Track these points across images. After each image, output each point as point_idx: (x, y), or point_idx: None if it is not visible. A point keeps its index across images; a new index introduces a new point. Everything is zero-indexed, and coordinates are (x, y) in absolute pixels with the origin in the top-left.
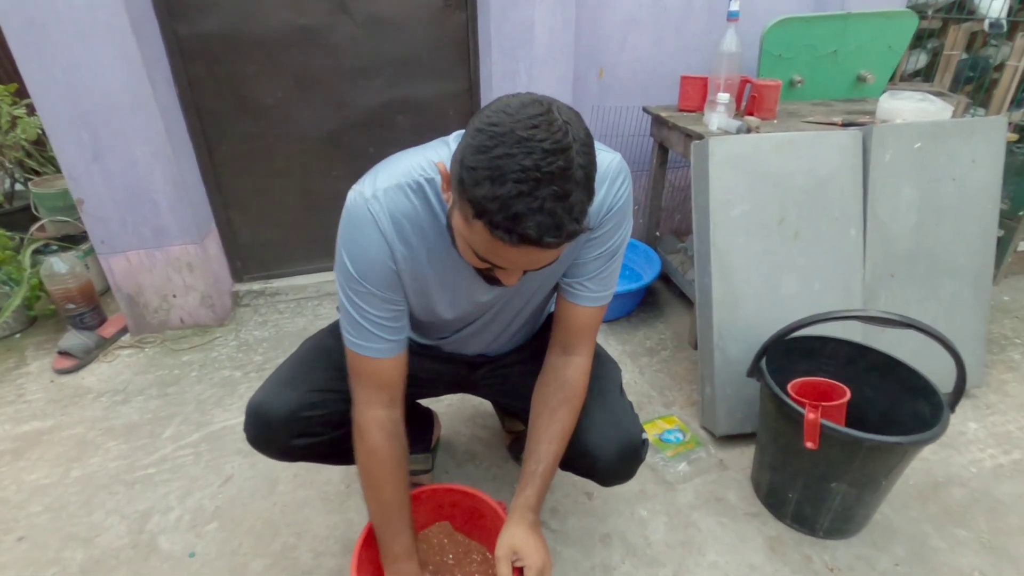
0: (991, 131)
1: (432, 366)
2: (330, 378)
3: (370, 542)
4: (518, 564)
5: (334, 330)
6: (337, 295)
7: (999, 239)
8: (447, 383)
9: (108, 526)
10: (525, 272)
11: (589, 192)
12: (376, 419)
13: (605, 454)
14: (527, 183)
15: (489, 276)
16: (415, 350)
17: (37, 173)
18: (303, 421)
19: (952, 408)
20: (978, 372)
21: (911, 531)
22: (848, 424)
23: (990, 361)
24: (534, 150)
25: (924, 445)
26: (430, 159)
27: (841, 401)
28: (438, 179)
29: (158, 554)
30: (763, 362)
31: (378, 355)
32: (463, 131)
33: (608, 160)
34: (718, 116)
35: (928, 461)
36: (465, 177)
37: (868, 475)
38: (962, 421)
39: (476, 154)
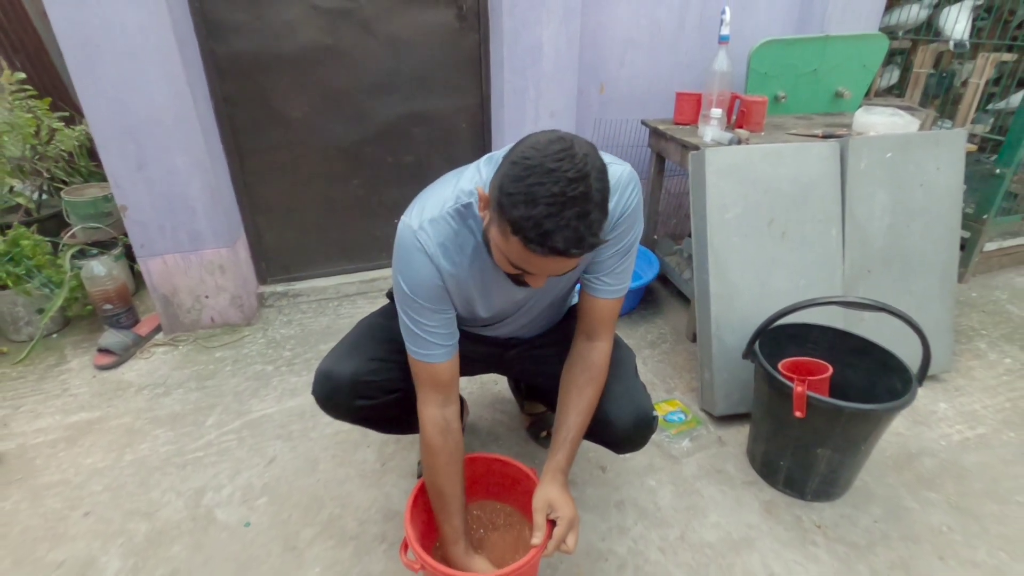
0: (953, 142)
1: (470, 346)
2: (384, 349)
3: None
4: (552, 516)
5: (385, 311)
6: (399, 315)
7: (967, 240)
8: (482, 362)
9: (166, 502)
10: (550, 276)
11: (604, 211)
12: (431, 418)
13: (622, 424)
14: (555, 206)
15: (519, 280)
16: None
17: (64, 183)
18: (364, 384)
19: (920, 382)
20: (946, 358)
21: (888, 494)
22: (832, 398)
23: (959, 350)
24: (560, 179)
25: (896, 412)
26: (465, 188)
27: (824, 375)
28: (473, 202)
29: (216, 525)
30: (757, 345)
31: (434, 360)
32: (492, 155)
33: (619, 171)
34: (711, 129)
35: (903, 436)
36: (504, 201)
37: (849, 440)
38: (933, 402)
39: (513, 182)
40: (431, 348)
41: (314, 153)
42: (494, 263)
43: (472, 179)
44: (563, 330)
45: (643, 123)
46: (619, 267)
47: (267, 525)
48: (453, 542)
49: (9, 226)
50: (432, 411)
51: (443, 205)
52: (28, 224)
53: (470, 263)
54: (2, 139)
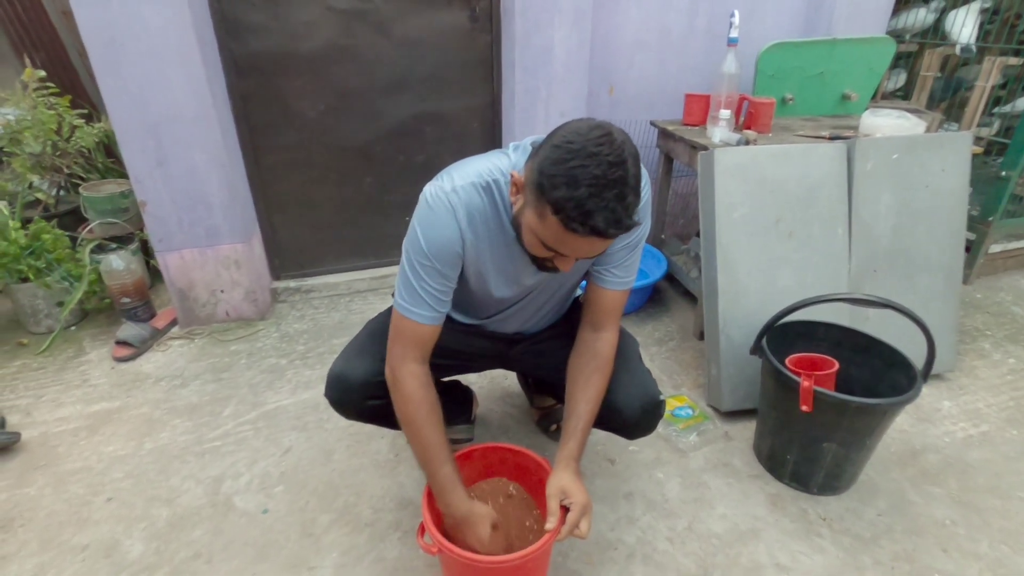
0: (958, 144)
1: (477, 342)
2: None
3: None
4: (566, 503)
5: None
6: (401, 266)
7: (972, 242)
8: (489, 358)
9: (186, 489)
10: (577, 260)
11: (639, 195)
12: (412, 371)
13: (630, 409)
14: (596, 187)
15: (544, 264)
16: (463, 329)
17: (82, 179)
18: (375, 385)
19: (924, 378)
20: (950, 357)
21: (892, 489)
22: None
23: (963, 350)
24: (601, 163)
25: (901, 407)
26: (497, 165)
27: (831, 371)
28: (503, 181)
29: (235, 511)
30: (764, 341)
31: (423, 321)
32: (518, 143)
33: None
34: (720, 130)
35: (907, 433)
36: (545, 183)
37: (855, 435)
38: (937, 400)
39: (555, 165)
40: (424, 308)
41: (328, 151)
42: (515, 245)
43: (500, 161)
44: (567, 324)
45: (652, 124)
46: (628, 260)
47: (284, 512)
48: (451, 489)
49: (29, 220)
50: (412, 366)
51: (475, 176)
52: (47, 219)
53: (491, 238)
54: (24, 135)
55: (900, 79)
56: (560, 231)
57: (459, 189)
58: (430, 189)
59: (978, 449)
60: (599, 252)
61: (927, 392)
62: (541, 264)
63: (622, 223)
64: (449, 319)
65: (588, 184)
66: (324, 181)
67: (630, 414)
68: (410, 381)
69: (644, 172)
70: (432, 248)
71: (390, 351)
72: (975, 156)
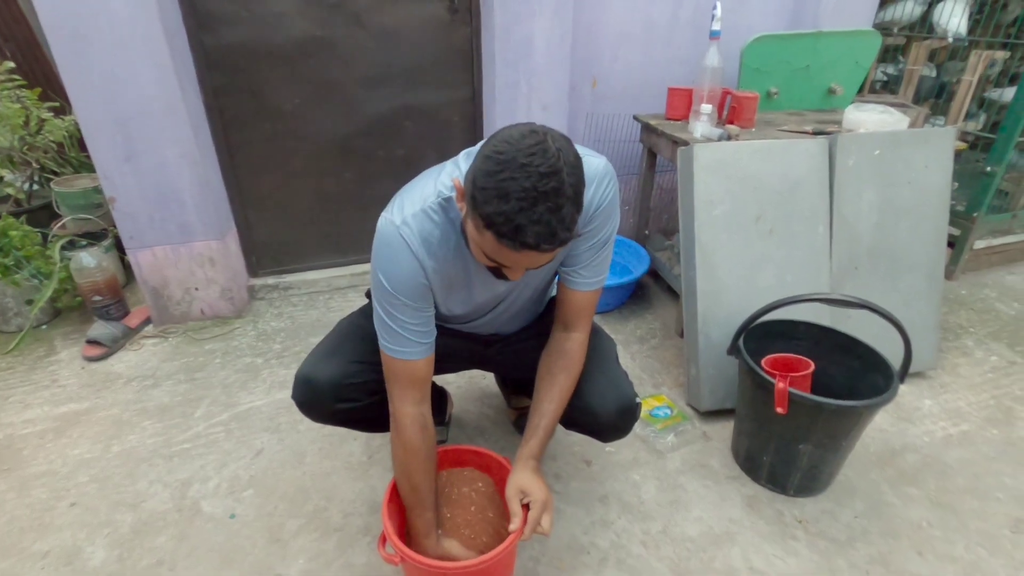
0: (941, 140)
1: (452, 342)
2: (365, 351)
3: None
4: (525, 501)
5: (365, 311)
6: (374, 310)
7: (957, 238)
8: (464, 359)
9: (152, 493)
10: (527, 269)
11: (578, 205)
12: (410, 415)
13: (605, 411)
14: (526, 200)
15: (497, 272)
16: (437, 330)
17: (55, 173)
18: (345, 388)
19: (901, 379)
20: (932, 355)
21: (870, 490)
22: (814, 395)
23: (946, 347)
24: (532, 174)
25: (876, 408)
26: (444, 182)
27: (806, 372)
28: (454, 196)
29: (201, 516)
30: (741, 341)
31: (411, 357)
32: (470, 150)
33: (595, 164)
34: (701, 124)
35: (886, 432)
36: (477, 196)
37: (830, 436)
38: (918, 398)
39: (485, 177)
40: (410, 346)
41: (305, 146)
42: (472, 255)
43: (451, 173)
44: (543, 324)
45: (635, 118)
46: (595, 260)
47: (252, 517)
48: (426, 535)
49: None
50: (410, 409)
51: (425, 200)
52: (18, 215)
53: (454, 257)
54: None
55: (888, 72)
56: (496, 244)
57: (409, 220)
58: (381, 224)
59: (958, 449)
60: (544, 263)
61: (908, 391)
62: (495, 272)
63: (556, 237)
64: None
65: (518, 197)
66: (302, 176)
67: (605, 417)
68: (410, 427)
69: (606, 168)
70: (396, 286)
71: (389, 393)
72: (962, 151)
